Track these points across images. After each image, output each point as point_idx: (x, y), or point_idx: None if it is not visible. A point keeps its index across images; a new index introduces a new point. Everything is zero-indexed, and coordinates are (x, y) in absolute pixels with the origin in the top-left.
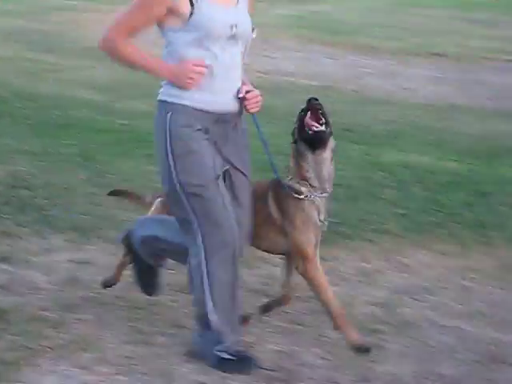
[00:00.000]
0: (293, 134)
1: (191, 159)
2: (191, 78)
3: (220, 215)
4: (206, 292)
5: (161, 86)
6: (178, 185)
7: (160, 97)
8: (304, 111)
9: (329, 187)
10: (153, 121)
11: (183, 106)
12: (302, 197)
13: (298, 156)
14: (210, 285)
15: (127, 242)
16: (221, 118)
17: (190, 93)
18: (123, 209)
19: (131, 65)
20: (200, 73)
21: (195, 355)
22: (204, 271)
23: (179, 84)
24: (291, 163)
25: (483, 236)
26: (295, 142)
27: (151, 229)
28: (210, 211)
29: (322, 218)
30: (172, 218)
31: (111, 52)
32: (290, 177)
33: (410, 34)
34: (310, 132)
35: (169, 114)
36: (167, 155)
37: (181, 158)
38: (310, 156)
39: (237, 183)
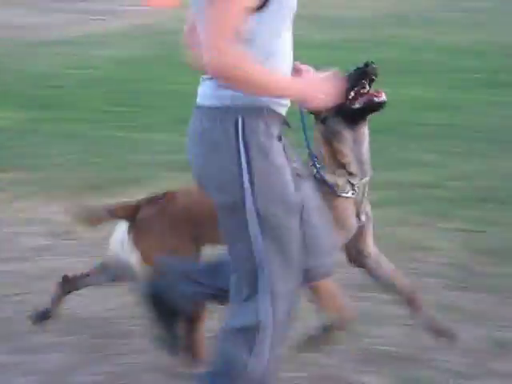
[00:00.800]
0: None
1: (274, 179)
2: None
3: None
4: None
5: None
6: (256, 214)
7: (216, 102)
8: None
9: (369, 169)
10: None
11: (259, 107)
12: (341, 192)
13: (332, 137)
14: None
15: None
16: (285, 121)
17: None
18: None
19: (261, 85)
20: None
21: None
22: (269, 339)
23: (310, 104)
24: (322, 150)
25: None
26: (324, 119)
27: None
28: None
29: (362, 217)
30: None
31: (235, 74)
32: (319, 167)
33: None
34: (373, 102)
35: (240, 120)
36: (241, 176)
37: (262, 178)
38: (349, 134)
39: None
